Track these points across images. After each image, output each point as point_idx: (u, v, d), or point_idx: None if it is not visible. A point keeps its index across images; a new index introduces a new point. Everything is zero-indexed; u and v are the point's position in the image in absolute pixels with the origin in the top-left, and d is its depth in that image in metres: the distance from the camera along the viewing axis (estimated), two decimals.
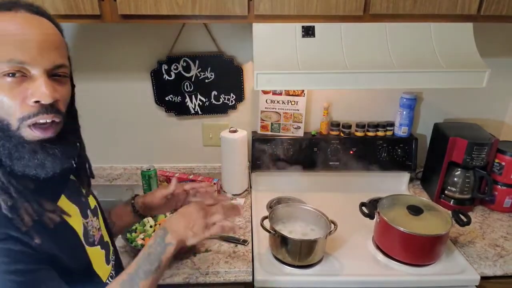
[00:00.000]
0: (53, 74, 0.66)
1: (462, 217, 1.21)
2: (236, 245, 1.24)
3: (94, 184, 0.92)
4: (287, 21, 1.13)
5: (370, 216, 1.25)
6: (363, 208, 1.28)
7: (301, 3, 1.09)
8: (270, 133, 1.57)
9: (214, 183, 1.50)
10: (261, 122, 1.56)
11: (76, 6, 1.05)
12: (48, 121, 0.65)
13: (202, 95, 1.53)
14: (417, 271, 1.15)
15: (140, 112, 1.55)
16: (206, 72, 1.49)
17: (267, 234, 1.18)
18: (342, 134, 1.56)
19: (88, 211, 0.85)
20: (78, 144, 0.79)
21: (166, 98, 1.53)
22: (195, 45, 1.46)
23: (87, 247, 0.79)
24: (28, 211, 0.65)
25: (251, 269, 1.14)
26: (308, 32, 1.16)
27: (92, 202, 0.90)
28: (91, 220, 0.85)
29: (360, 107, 1.58)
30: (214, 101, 1.54)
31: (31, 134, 0.64)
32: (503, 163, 1.40)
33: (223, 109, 1.57)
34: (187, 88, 1.51)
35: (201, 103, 1.54)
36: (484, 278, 1.15)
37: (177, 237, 0.82)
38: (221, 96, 1.54)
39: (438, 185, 1.48)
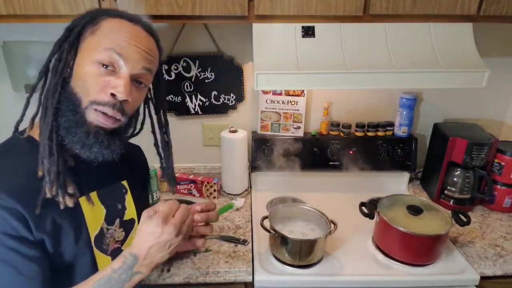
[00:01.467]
0: (136, 80, 0.75)
1: (461, 217, 1.21)
2: (236, 245, 1.24)
3: None
4: (287, 21, 1.14)
5: (370, 216, 1.25)
6: (363, 208, 1.28)
7: (301, 4, 1.09)
8: (270, 133, 1.58)
9: (215, 183, 1.50)
10: (261, 122, 1.56)
11: (77, 6, 1.05)
12: (110, 114, 0.72)
13: (202, 95, 1.53)
14: (417, 271, 1.15)
15: None
16: (206, 72, 1.49)
17: (267, 234, 1.18)
18: (342, 134, 1.56)
19: (117, 220, 0.85)
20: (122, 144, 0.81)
21: (166, 98, 1.52)
22: (195, 46, 1.46)
23: (96, 250, 0.79)
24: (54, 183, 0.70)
25: (251, 269, 1.14)
26: (308, 32, 1.16)
27: (130, 213, 0.89)
28: (114, 230, 0.84)
29: (360, 107, 1.59)
30: (214, 101, 1.55)
31: (93, 116, 0.72)
32: (503, 163, 1.41)
33: (223, 109, 1.57)
34: (187, 88, 1.51)
35: (201, 103, 1.55)
36: (483, 278, 1.15)
37: (149, 266, 0.73)
38: (221, 96, 1.54)
39: (437, 185, 1.48)
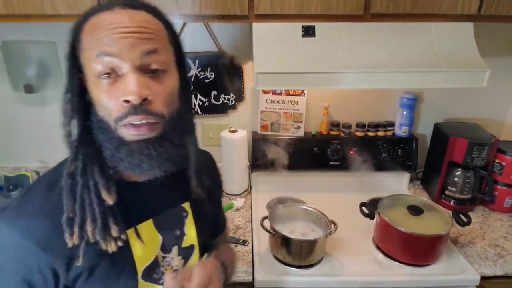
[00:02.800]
0: (149, 71, 0.61)
1: (462, 217, 1.21)
2: (236, 245, 1.24)
3: None
4: (287, 20, 1.13)
5: (370, 216, 1.25)
6: (363, 208, 1.27)
7: (301, 3, 1.08)
8: (270, 133, 1.57)
9: None
10: (261, 122, 1.56)
11: (76, 5, 1.05)
12: (137, 122, 0.60)
13: (202, 95, 1.53)
14: (417, 271, 1.15)
15: None
16: (206, 71, 1.49)
17: (267, 234, 1.17)
18: (342, 134, 1.56)
19: (175, 248, 0.75)
20: (187, 147, 0.69)
21: None
22: (195, 45, 1.46)
23: (141, 280, 0.70)
24: (85, 230, 0.62)
25: (251, 269, 1.14)
26: (308, 31, 1.15)
27: (189, 239, 0.78)
28: (172, 258, 0.75)
29: (360, 107, 1.58)
30: (214, 101, 1.54)
31: (127, 133, 0.61)
32: (504, 163, 1.40)
33: (223, 109, 1.56)
34: None
35: (201, 103, 1.54)
36: (484, 278, 1.14)
37: None
38: (221, 96, 1.53)
39: (438, 185, 1.48)
